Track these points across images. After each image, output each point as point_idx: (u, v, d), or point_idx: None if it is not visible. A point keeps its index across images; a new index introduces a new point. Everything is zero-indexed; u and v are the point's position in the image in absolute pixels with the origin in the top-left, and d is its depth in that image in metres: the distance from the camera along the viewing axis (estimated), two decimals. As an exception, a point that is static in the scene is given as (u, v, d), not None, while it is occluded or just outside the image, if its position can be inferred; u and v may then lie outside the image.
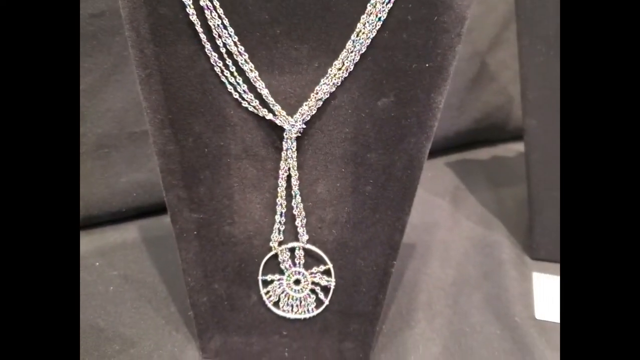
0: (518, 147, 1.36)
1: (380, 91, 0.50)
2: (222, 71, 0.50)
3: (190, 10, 0.48)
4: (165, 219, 0.56)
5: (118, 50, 0.86)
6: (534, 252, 0.90)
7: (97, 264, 0.85)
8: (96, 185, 0.93)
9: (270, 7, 0.48)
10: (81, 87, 0.84)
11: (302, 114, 0.50)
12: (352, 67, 0.49)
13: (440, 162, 1.32)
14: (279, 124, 0.51)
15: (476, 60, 1.27)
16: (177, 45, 0.49)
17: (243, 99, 0.51)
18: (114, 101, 0.89)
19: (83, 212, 0.93)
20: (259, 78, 0.50)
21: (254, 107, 0.51)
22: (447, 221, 1.03)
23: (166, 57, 0.50)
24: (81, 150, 0.88)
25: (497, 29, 1.26)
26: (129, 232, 0.95)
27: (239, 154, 0.54)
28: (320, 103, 0.50)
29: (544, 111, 0.74)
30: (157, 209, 0.99)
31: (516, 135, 1.36)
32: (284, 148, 0.52)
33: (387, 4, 0.47)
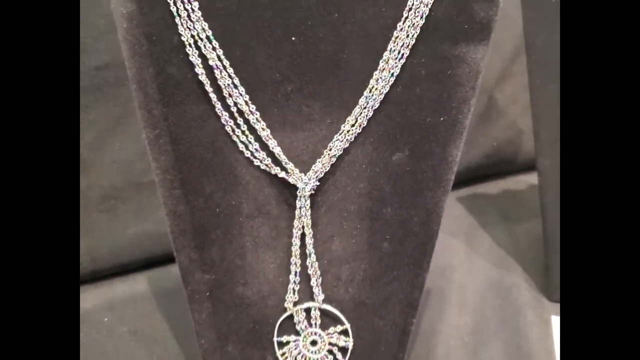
0: (528, 178, 1.31)
1: (394, 146, 0.48)
2: (233, 130, 0.48)
3: (200, 69, 0.46)
4: (175, 269, 0.54)
5: (123, 102, 0.84)
6: (552, 294, 0.87)
7: (106, 319, 0.81)
8: (103, 237, 0.89)
9: (281, 65, 0.46)
10: (86, 139, 0.81)
11: (316, 171, 0.48)
12: (365, 123, 0.47)
13: (451, 197, 1.25)
14: (292, 182, 0.48)
15: (484, 96, 1.24)
16: (186, 105, 0.47)
17: (255, 157, 0.48)
18: (119, 152, 0.86)
19: (90, 265, 0.89)
20: (270, 136, 0.48)
21: (266, 165, 0.48)
22: (462, 263, 0.98)
23: (175, 117, 0.47)
24: (87, 203, 0.85)
25: (505, 63, 1.23)
26: (138, 283, 0.91)
27: (251, 212, 0.51)
28: (334, 159, 0.48)
29: (558, 151, 0.69)
30: (166, 259, 0.95)
31: (526, 167, 1.33)
32: (298, 206, 0.49)
33: (399, 60, 0.46)
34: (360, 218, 0.51)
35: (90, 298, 0.89)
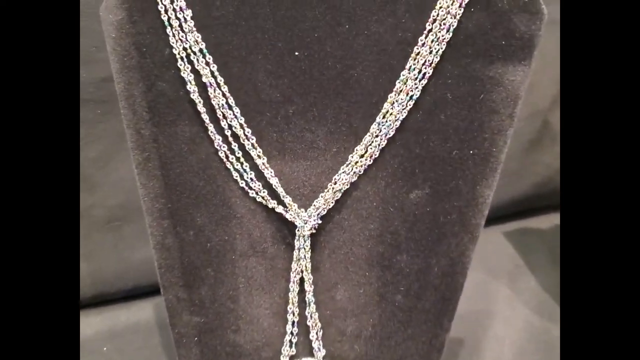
0: (584, 214, 1.18)
1: (412, 182, 0.43)
2: (227, 156, 0.44)
3: (192, 86, 0.42)
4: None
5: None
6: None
7: (105, 349, 0.75)
8: (107, 260, 0.83)
9: (282, 84, 0.42)
10: (91, 154, 0.75)
11: (317, 207, 0.43)
12: (377, 153, 0.42)
13: (496, 231, 1.12)
14: (289, 219, 0.44)
15: (536, 120, 1.12)
16: (177, 126, 0.43)
17: (250, 187, 0.44)
18: (126, 170, 0.78)
19: (92, 290, 0.83)
20: (267, 165, 0.43)
21: (263, 197, 0.44)
22: (502, 309, 0.87)
23: (165, 139, 0.43)
24: (90, 223, 0.79)
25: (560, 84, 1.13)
26: (143, 311, 0.84)
27: (246, 250, 0.46)
28: (339, 194, 0.43)
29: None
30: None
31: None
32: (296, 247, 0.44)
33: (420, 80, 0.40)
34: (369, 265, 0.46)
35: (91, 325, 0.84)
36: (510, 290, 0.95)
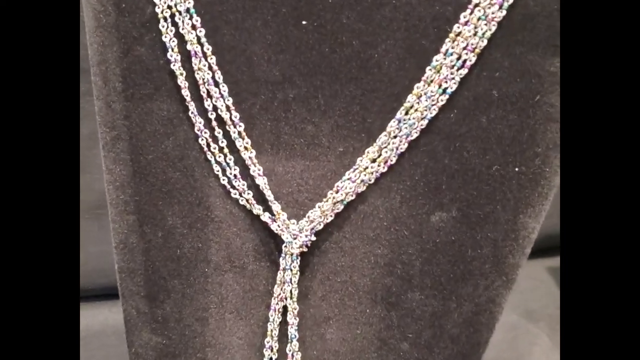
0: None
1: (436, 200, 0.38)
2: (208, 144, 0.39)
3: (174, 54, 0.37)
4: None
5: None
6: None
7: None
8: (94, 252, 0.78)
9: (282, 60, 0.37)
10: (84, 131, 0.70)
11: (312, 220, 0.39)
12: (394, 159, 0.38)
13: (539, 267, 1.04)
14: (275, 231, 0.39)
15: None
16: (154, 102, 0.39)
17: (233, 186, 0.40)
18: None
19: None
20: (255, 160, 0.39)
21: (247, 200, 0.39)
22: (541, 358, 0.79)
23: (139, 116, 0.39)
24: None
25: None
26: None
27: (221, 263, 0.42)
28: (341, 207, 0.39)
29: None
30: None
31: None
32: (281, 266, 0.40)
33: (458, 70, 0.36)
34: (372, 300, 0.41)
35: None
36: (550, 340, 0.84)
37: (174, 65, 0.38)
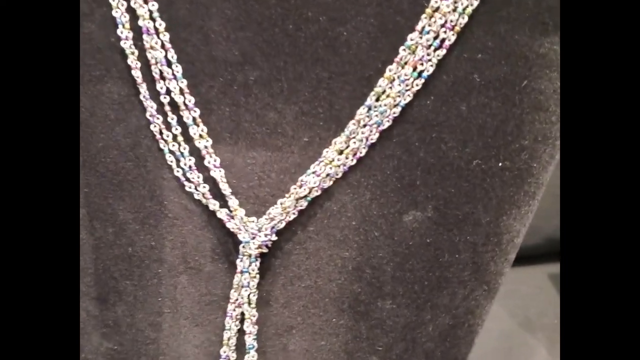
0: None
1: (409, 198, 0.37)
2: (161, 132, 0.37)
3: (124, 31, 0.35)
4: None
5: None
6: None
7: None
8: None
9: (243, 38, 0.35)
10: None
11: (273, 218, 0.36)
12: (363, 151, 0.36)
13: (539, 272, 1.03)
14: (231, 229, 0.37)
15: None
16: (104, 85, 0.37)
17: (187, 179, 0.37)
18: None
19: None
20: (211, 150, 0.37)
21: (202, 194, 0.37)
22: None
23: (89, 100, 0.38)
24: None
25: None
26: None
27: (176, 264, 0.40)
28: (305, 203, 0.37)
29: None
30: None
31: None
32: (238, 269, 0.37)
33: (435, 50, 0.34)
34: (339, 308, 0.39)
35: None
36: (548, 354, 0.82)
37: (124, 43, 0.36)
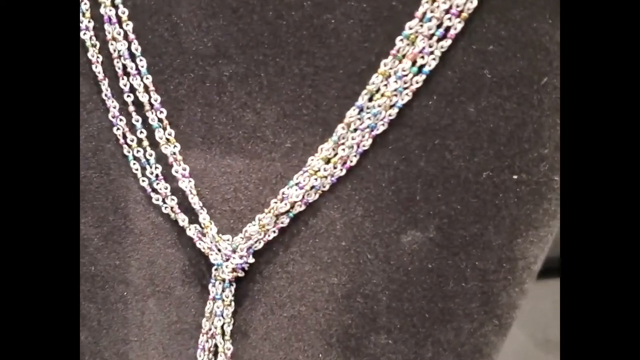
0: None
1: (408, 215, 0.35)
2: (124, 136, 0.36)
3: (84, 20, 0.35)
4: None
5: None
6: None
7: None
8: None
9: (216, 27, 0.34)
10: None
11: (250, 237, 0.35)
12: (354, 160, 0.34)
13: (542, 289, 1.03)
14: (202, 250, 0.35)
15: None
16: None
17: (155, 190, 0.36)
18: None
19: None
20: (180, 157, 0.35)
21: (171, 208, 0.36)
22: None
23: None
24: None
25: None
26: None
27: (143, 286, 0.39)
28: (288, 220, 0.35)
29: None
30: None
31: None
32: (211, 295, 0.36)
33: (438, 41, 0.32)
34: (326, 343, 0.37)
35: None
36: None
37: (84, 34, 0.35)
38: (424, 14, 0.30)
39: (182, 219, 0.35)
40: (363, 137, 0.33)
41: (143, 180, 0.36)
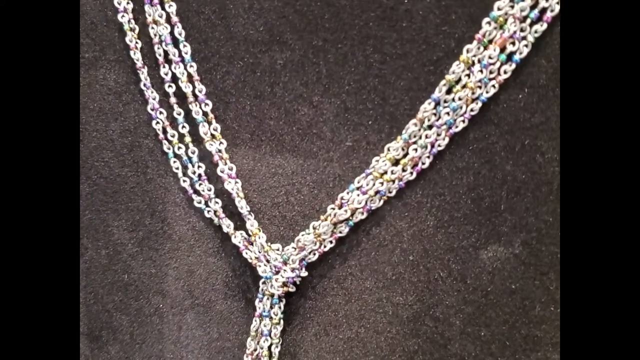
0: None
1: (489, 227, 0.33)
2: (164, 131, 0.36)
3: (122, 1, 0.35)
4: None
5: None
6: None
7: None
8: None
9: (270, 9, 0.33)
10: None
11: (303, 247, 0.33)
12: (427, 162, 0.32)
13: None
14: (249, 260, 0.34)
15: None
16: (98, 69, 0.37)
17: (197, 192, 0.36)
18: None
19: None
20: (226, 155, 0.35)
21: (215, 212, 0.35)
22: None
23: (80, 89, 0.37)
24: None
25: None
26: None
27: (180, 298, 0.38)
28: (346, 229, 0.34)
29: None
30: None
31: None
32: (257, 311, 0.35)
33: (532, 24, 0.30)
34: None
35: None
36: None
37: (122, 16, 0.35)
38: (516, -5, 0.27)
39: (227, 225, 0.34)
40: (438, 135, 0.31)
41: (184, 181, 0.35)
